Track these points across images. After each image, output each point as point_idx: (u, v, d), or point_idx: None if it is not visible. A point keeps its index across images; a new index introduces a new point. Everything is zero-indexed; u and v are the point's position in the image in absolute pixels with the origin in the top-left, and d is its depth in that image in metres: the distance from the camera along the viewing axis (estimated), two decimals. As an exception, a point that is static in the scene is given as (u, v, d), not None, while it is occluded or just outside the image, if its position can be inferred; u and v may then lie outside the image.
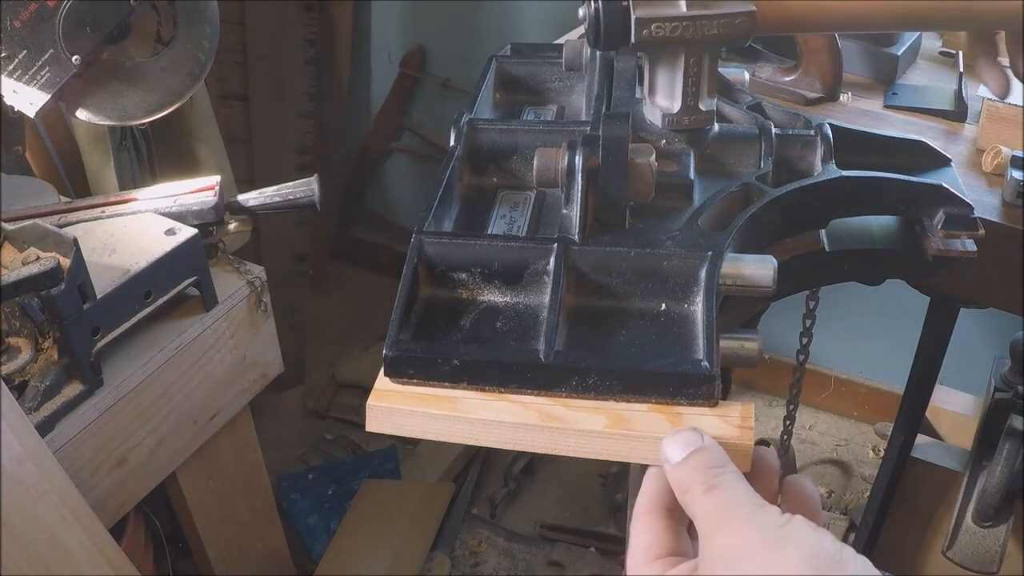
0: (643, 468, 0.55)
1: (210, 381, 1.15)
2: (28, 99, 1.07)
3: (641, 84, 0.75)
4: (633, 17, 0.66)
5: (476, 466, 2.21)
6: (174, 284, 1.06)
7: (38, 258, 0.93)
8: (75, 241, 0.93)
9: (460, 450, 2.19)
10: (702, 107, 0.71)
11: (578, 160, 0.61)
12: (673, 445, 0.52)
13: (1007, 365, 1.38)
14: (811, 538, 0.46)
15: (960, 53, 1.35)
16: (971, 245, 0.76)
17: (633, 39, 0.67)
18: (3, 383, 0.86)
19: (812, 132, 0.75)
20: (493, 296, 0.61)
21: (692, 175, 0.71)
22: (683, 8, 0.66)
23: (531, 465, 2.23)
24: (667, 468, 0.52)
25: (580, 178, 0.61)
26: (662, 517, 0.52)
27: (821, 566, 0.44)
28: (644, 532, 0.52)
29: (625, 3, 0.66)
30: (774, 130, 0.74)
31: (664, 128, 0.73)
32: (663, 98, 0.72)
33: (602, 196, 0.63)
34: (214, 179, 1.15)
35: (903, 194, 0.75)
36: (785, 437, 1.69)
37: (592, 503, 2.16)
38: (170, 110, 1.14)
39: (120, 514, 1.10)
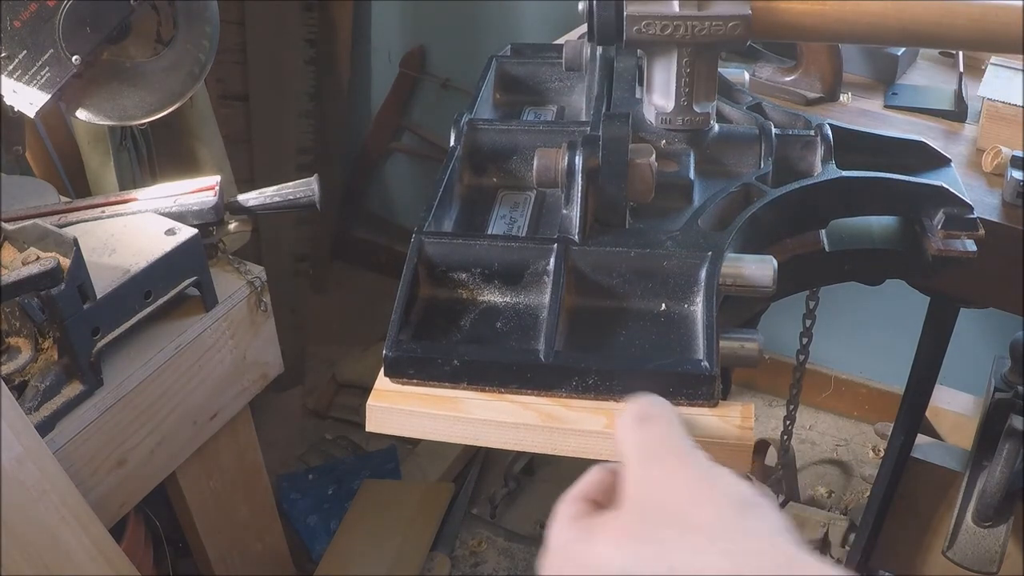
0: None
1: (210, 381, 1.15)
2: (28, 99, 1.07)
3: (641, 84, 0.75)
4: (624, 14, 0.66)
5: (476, 466, 2.21)
6: (174, 284, 1.06)
7: (38, 258, 0.93)
8: (75, 241, 0.93)
9: (460, 450, 2.19)
10: (697, 109, 0.71)
11: (578, 160, 0.61)
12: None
13: (1007, 365, 1.38)
14: (737, 482, 0.46)
15: (960, 53, 1.35)
16: (971, 245, 0.76)
17: (624, 36, 0.67)
18: (3, 383, 0.86)
19: (812, 132, 0.75)
20: (493, 296, 0.61)
21: (692, 175, 0.71)
22: (675, 8, 0.66)
23: (531, 465, 2.23)
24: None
25: (580, 178, 0.61)
26: (585, 503, 0.51)
27: (745, 506, 0.45)
28: (560, 509, 0.51)
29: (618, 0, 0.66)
30: (774, 130, 0.74)
31: (658, 126, 0.73)
32: (659, 97, 0.72)
33: (602, 196, 0.63)
34: (214, 179, 1.15)
35: (903, 194, 0.75)
36: (785, 437, 1.69)
37: (592, 503, 2.15)
38: (170, 110, 1.14)
39: (120, 514, 1.10)
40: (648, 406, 0.50)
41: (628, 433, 0.49)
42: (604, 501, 0.52)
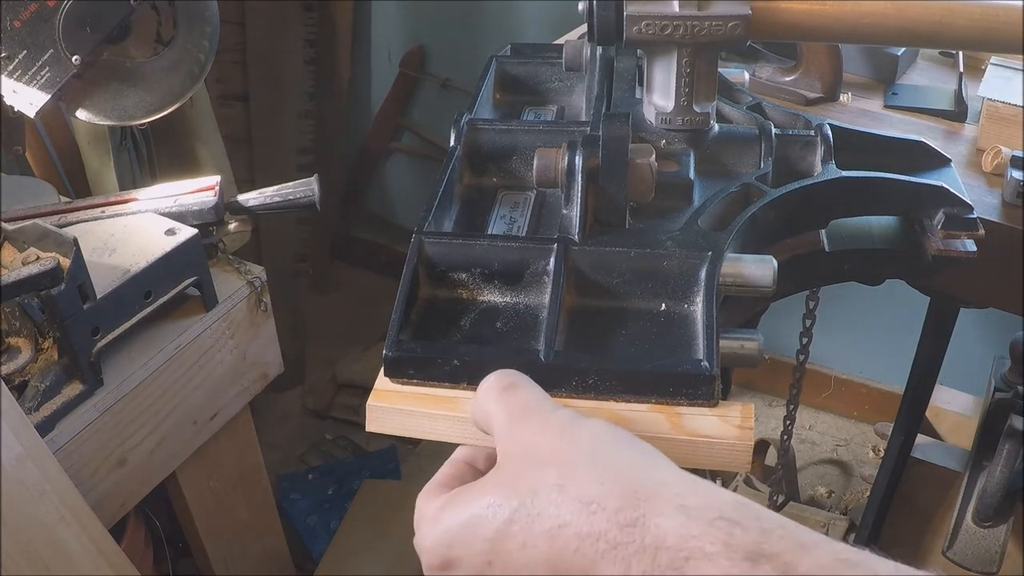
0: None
1: (210, 381, 1.15)
2: (28, 99, 1.07)
3: (641, 84, 0.75)
4: (624, 14, 0.66)
5: (476, 466, 2.21)
6: (174, 284, 1.06)
7: (38, 258, 0.93)
8: (75, 241, 0.93)
9: (460, 450, 2.18)
10: (696, 109, 0.71)
11: (578, 160, 0.61)
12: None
13: (1007, 365, 1.38)
14: (607, 425, 0.47)
15: (960, 53, 1.35)
16: (971, 245, 0.76)
17: (624, 36, 0.67)
18: (3, 383, 0.86)
19: (812, 132, 0.75)
20: (493, 296, 0.61)
21: (692, 175, 0.71)
22: (675, 8, 0.66)
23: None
24: (469, 405, 0.52)
25: (580, 178, 0.61)
26: (446, 488, 0.52)
27: (614, 442, 0.46)
28: (422, 494, 0.52)
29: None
30: (774, 130, 0.74)
31: (658, 126, 0.73)
32: (659, 96, 0.72)
33: (602, 196, 0.63)
34: (214, 179, 1.15)
35: (903, 194, 0.75)
36: (785, 437, 1.69)
37: (592, 503, 2.15)
38: (170, 110, 1.14)
39: (120, 514, 1.10)
40: (510, 376, 0.51)
41: (493, 403, 0.50)
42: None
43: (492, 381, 0.51)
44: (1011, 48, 0.66)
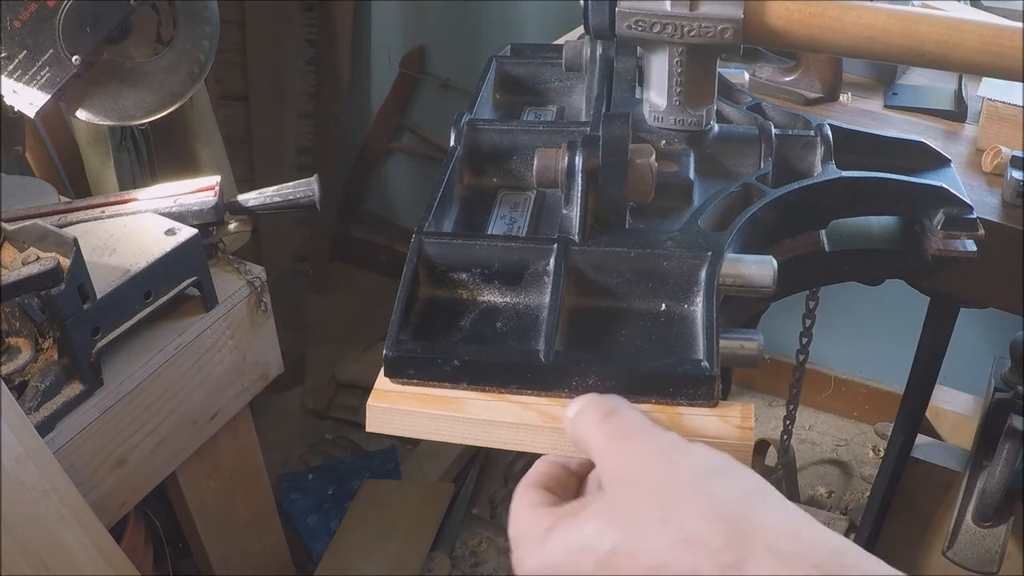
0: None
1: (210, 381, 1.15)
2: (28, 99, 1.07)
3: (641, 84, 0.75)
4: (616, 9, 0.66)
5: (476, 466, 2.21)
6: (174, 284, 1.06)
7: (38, 258, 0.93)
8: (75, 241, 0.93)
9: (460, 450, 2.19)
10: (690, 110, 0.71)
11: (578, 160, 0.61)
12: (572, 403, 0.53)
13: (1007, 365, 1.38)
14: (709, 451, 0.47)
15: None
16: (971, 245, 0.76)
17: (616, 32, 0.67)
18: (3, 383, 0.86)
19: (812, 133, 0.75)
20: (493, 296, 0.61)
21: (692, 175, 0.71)
22: (666, 7, 0.66)
23: (531, 465, 2.22)
24: (565, 421, 0.52)
25: (580, 178, 0.61)
26: (541, 491, 0.52)
27: (718, 472, 0.46)
28: (520, 498, 0.52)
29: None
30: (774, 131, 0.74)
31: (651, 123, 0.72)
32: (654, 94, 0.72)
33: (602, 196, 0.63)
34: (214, 179, 1.15)
35: (903, 194, 0.75)
36: (785, 437, 1.69)
37: (592, 503, 2.15)
38: (170, 110, 1.15)
39: (120, 514, 1.10)
40: (610, 401, 0.52)
41: (594, 429, 0.50)
42: (557, 491, 0.53)
43: (592, 408, 0.51)
44: (1016, 75, 0.64)
